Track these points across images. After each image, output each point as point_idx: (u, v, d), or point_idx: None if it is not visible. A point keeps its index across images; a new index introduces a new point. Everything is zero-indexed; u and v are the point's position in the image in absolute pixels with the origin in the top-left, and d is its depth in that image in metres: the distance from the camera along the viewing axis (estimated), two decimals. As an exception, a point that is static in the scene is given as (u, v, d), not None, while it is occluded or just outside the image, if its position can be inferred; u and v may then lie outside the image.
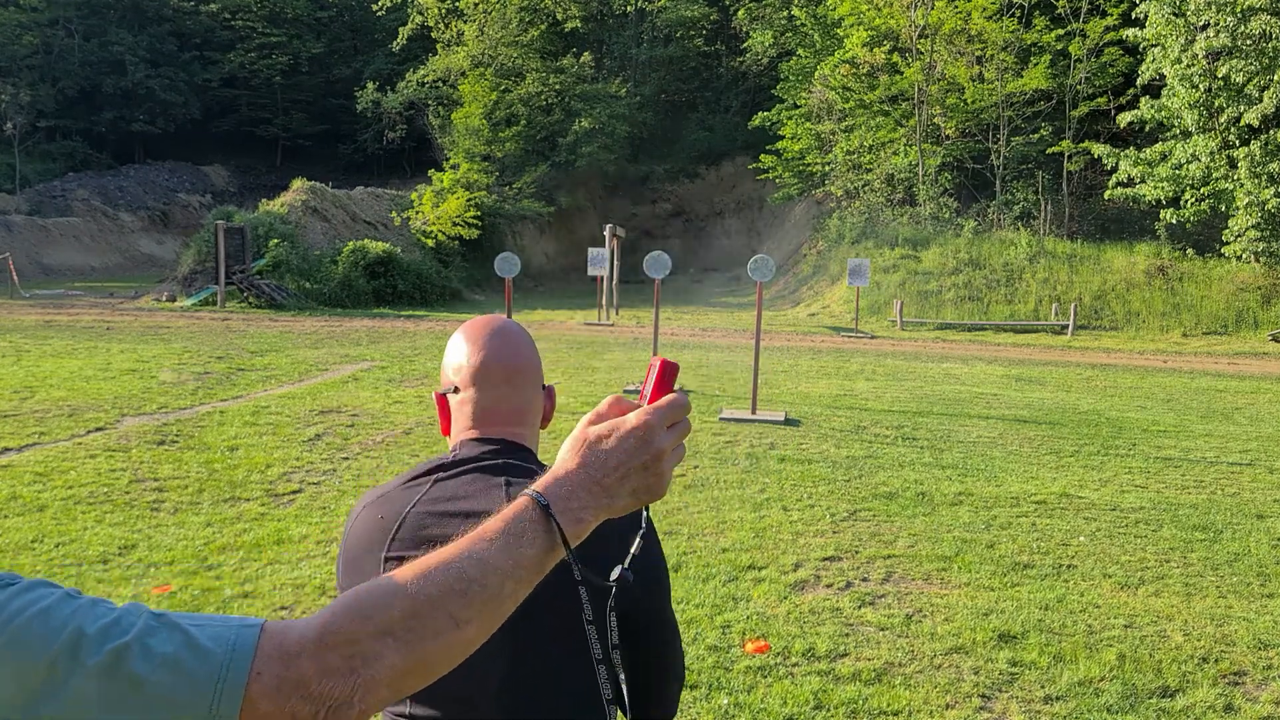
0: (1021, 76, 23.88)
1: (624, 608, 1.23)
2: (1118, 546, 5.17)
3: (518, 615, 1.16)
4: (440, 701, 1.19)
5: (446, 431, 1.36)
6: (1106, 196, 23.11)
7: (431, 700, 1.19)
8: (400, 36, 37.00)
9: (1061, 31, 24.19)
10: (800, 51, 30.22)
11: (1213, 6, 18.88)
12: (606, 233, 21.46)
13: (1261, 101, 18.79)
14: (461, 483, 1.26)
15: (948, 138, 25.96)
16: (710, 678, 3.44)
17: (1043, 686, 3.47)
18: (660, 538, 5.40)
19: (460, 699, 1.19)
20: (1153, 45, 20.68)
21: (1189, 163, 20.17)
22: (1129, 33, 21.10)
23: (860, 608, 4.18)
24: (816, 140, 28.99)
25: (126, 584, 4.23)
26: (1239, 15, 18.73)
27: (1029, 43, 24.54)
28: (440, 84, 34.90)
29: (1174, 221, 21.09)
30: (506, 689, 1.19)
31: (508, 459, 1.31)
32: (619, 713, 1.25)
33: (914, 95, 25.68)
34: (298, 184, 26.26)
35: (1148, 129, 21.86)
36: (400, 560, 1.21)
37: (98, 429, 7.50)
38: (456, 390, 1.34)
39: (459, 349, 1.35)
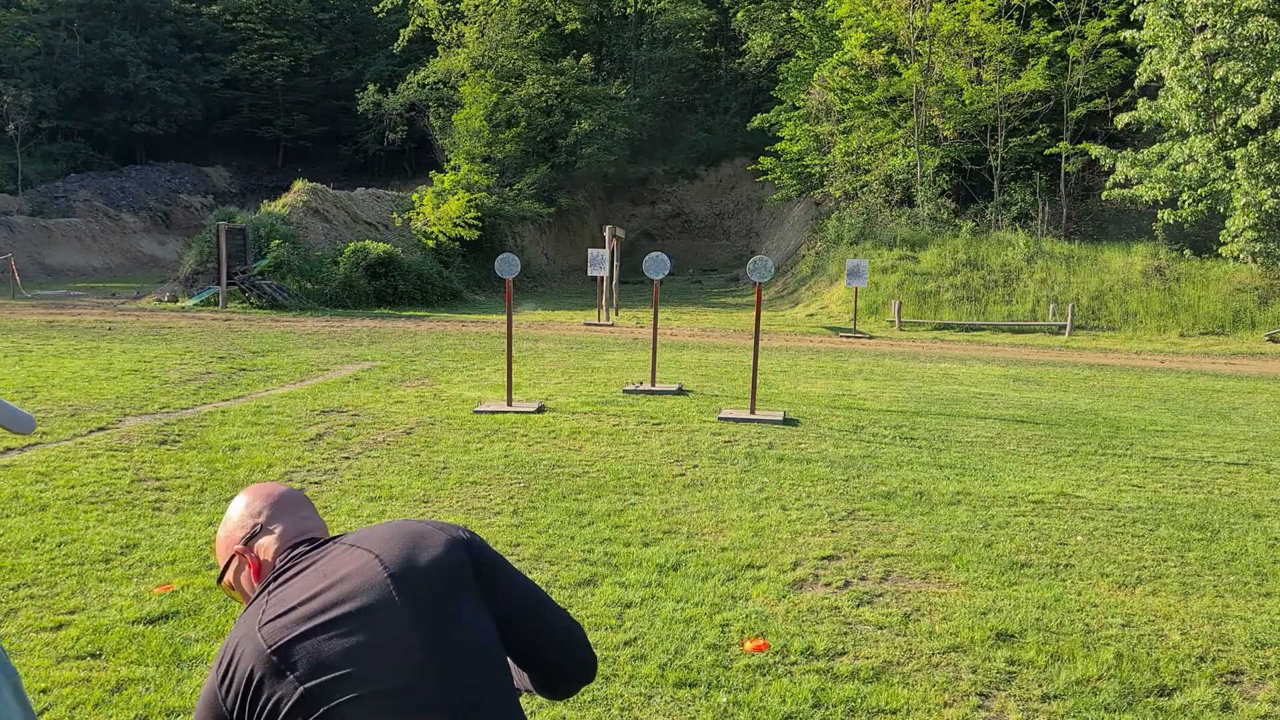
0: (1019, 78, 23.90)
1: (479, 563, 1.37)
2: (1115, 546, 5.19)
3: (434, 618, 1.24)
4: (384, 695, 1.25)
5: (259, 577, 1.41)
6: (1104, 197, 23.13)
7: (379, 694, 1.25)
8: (401, 38, 37.04)
9: (1059, 33, 24.22)
10: (799, 53, 30.25)
11: (1210, 8, 18.91)
12: (606, 234, 21.49)
13: (1259, 103, 18.82)
14: (310, 567, 1.33)
15: (946, 139, 25.99)
16: (709, 676, 3.47)
17: (1040, 685, 3.49)
18: (660, 537, 5.41)
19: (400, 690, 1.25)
20: (1150, 47, 20.71)
21: (1186, 164, 20.19)
22: (1127, 34, 21.13)
23: (858, 606, 4.20)
24: (815, 141, 29.01)
25: (128, 583, 4.25)
26: (1236, 17, 18.76)
27: (1027, 44, 24.57)
28: (441, 85, 34.94)
29: (1171, 222, 21.11)
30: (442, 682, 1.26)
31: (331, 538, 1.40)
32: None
33: (912, 97, 25.71)
34: (299, 185, 26.29)
35: (1145, 130, 21.88)
36: (305, 666, 1.23)
37: (100, 429, 7.53)
38: (258, 531, 1.43)
39: (250, 502, 1.45)
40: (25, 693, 0.92)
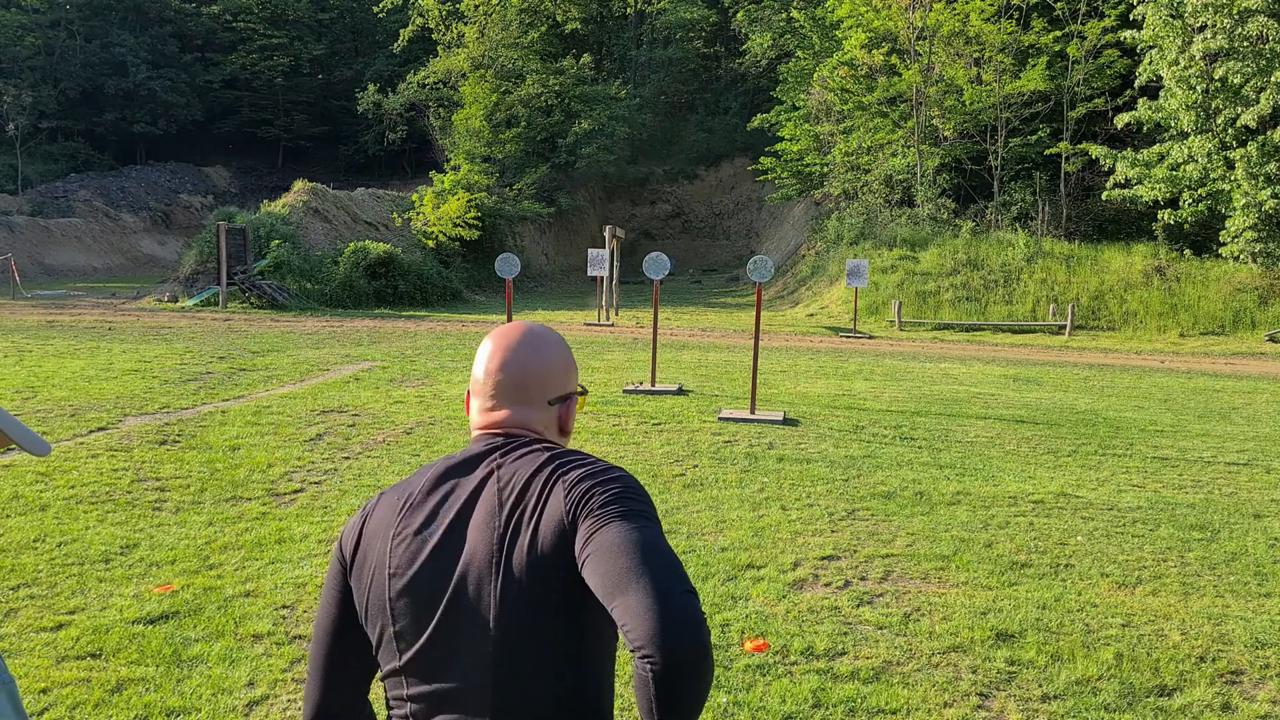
0: (1019, 78, 23.89)
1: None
2: (1115, 546, 5.19)
3: (497, 609, 1.21)
4: (434, 684, 1.25)
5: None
6: (1104, 197, 23.12)
7: (427, 682, 1.25)
8: (401, 38, 37.04)
9: (1059, 33, 24.20)
10: (799, 53, 30.24)
11: (1210, 8, 18.91)
12: (606, 234, 21.49)
13: (1258, 103, 18.82)
14: (462, 463, 1.36)
15: (946, 139, 25.98)
16: (710, 675, 3.46)
17: (1040, 685, 3.50)
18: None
19: (451, 682, 1.24)
20: (1150, 47, 20.71)
21: (1186, 164, 20.19)
22: (1127, 34, 21.12)
23: (858, 607, 4.20)
24: (815, 141, 29.01)
25: (128, 583, 4.25)
26: (1236, 17, 18.76)
27: (1027, 44, 24.56)
28: (441, 85, 34.93)
29: (1171, 222, 21.10)
30: (496, 674, 1.23)
31: (507, 443, 1.37)
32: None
33: (912, 97, 25.70)
34: (299, 185, 26.29)
35: (1145, 130, 21.87)
36: (402, 536, 1.28)
37: (100, 429, 7.53)
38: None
39: (481, 351, 1.44)
40: (20, 699, 0.92)
